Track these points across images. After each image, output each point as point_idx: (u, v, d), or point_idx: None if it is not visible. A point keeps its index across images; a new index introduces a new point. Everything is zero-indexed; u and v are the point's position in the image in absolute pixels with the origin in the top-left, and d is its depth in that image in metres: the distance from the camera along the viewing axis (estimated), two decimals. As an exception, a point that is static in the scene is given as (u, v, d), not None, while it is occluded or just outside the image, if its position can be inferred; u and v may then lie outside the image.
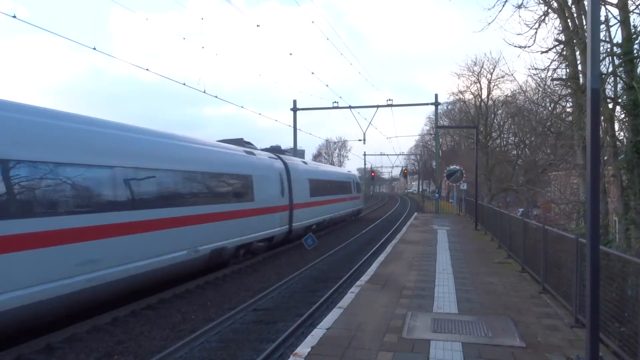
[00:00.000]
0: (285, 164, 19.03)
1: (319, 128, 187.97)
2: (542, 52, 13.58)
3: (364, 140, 58.85)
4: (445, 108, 45.80)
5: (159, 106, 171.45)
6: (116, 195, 9.02)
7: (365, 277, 10.01)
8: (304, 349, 5.67)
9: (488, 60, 48.01)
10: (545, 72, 14.18)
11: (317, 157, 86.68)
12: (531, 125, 27.05)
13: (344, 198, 29.60)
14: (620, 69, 11.43)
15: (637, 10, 11.23)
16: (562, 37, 13.54)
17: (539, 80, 16.62)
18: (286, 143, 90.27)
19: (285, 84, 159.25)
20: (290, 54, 66.40)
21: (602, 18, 11.38)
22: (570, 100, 14.82)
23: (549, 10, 13.64)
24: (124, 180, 9.24)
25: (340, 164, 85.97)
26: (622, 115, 12.08)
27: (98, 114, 14.81)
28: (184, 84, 15.64)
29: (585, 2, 5.86)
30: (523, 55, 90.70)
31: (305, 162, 23.93)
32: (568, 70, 13.62)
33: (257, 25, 45.81)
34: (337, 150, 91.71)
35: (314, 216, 22.11)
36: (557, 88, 15.33)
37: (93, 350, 7.40)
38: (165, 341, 7.91)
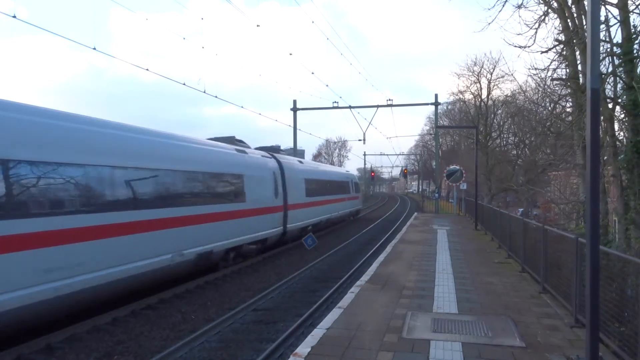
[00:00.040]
0: (279, 163, 18.52)
1: (319, 128, 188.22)
2: (542, 52, 13.60)
3: (364, 140, 58.90)
4: (445, 108, 45.86)
5: (159, 106, 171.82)
6: (87, 197, 8.33)
7: (365, 277, 10.01)
8: (304, 349, 5.67)
9: (488, 60, 47.95)
10: (545, 72, 14.21)
11: (317, 157, 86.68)
12: (531, 125, 27.04)
13: (342, 198, 29.12)
14: (620, 69, 11.43)
15: (637, 10, 11.23)
16: (562, 37, 13.55)
17: (539, 80, 16.64)
18: (286, 143, 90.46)
19: (285, 84, 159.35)
20: (290, 54, 66.37)
21: (602, 18, 11.38)
22: (570, 100, 14.83)
23: (549, 10, 13.65)
24: (96, 180, 8.58)
25: (340, 164, 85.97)
26: (622, 115, 12.08)
27: (98, 114, 14.80)
28: (184, 84, 15.62)
29: (585, 2, 5.85)
30: (523, 55, 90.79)
31: (301, 162, 23.31)
32: (568, 70, 13.62)
33: (257, 25, 45.81)
34: (337, 150, 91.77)
35: (310, 217, 21.61)
36: (557, 88, 15.34)
37: (93, 350, 7.40)
38: (165, 341, 7.91)
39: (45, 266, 7.31)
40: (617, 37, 11.76)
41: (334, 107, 35.02)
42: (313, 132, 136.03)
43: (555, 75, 14.11)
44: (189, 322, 9.03)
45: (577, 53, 13.18)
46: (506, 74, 31.78)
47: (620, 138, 12.47)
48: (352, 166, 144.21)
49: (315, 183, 23.23)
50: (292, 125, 36.84)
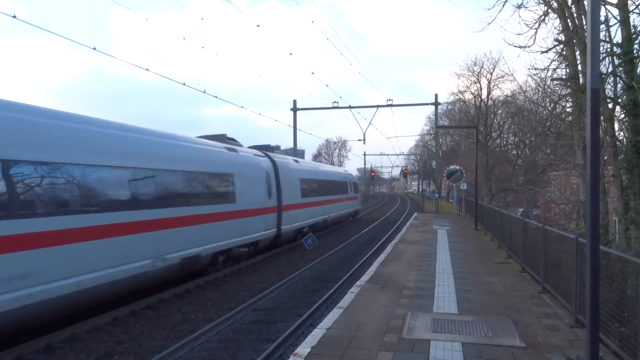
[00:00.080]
0: (273, 162, 17.87)
1: (319, 128, 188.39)
2: (542, 52, 13.59)
3: (364, 140, 58.87)
4: (445, 108, 45.88)
5: (159, 106, 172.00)
6: (55, 198, 7.69)
7: (365, 277, 10.01)
8: (304, 349, 5.67)
9: (488, 60, 47.87)
10: (545, 72, 14.20)
11: (317, 157, 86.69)
12: (531, 125, 27.04)
13: (340, 199, 28.47)
14: (620, 69, 11.43)
15: (637, 10, 11.23)
16: (562, 37, 13.54)
17: (539, 80, 16.64)
18: (286, 143, 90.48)
19: (285, 84, 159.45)
20: (290, 54, 66.43)
21: (602, 18, 11.38)
22: (570, 100, 14.82)
23: (549, 10, 13.64)
24: (66, 180, 7.91)
25: (340, 164, 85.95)
26: (622, 115, 12.08)
27: (98, 114, 14.77)
28: (184, 84, 15.62)
29: (585, 2, 5.85)
30: (523, 55, 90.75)
31: (296, 161, 22.64)
32: (568, 70, 13.62)
33: (257, 25, 45.85)
34: (337, 150, 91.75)
35: (306, 218, 21.03)
36: (557, 88, 15.33)
37: (93, 350, 7.40)
38: (165, 341, 7.91)
39: None
40: (617, 37, 11.77)
41: (334, 107, 35.04)
42: (313, 132, 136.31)
43: (555, 75, 14.11)
44: (189, 322, 9.03)
45: (577, 53, 13.18)
46: (506, 74, 31.84)
47: (620, 138, 12.46)
48: (352, 166, 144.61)
49: (312, 183, 22.75)
50: (292, 125, 36.86)
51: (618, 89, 11.93)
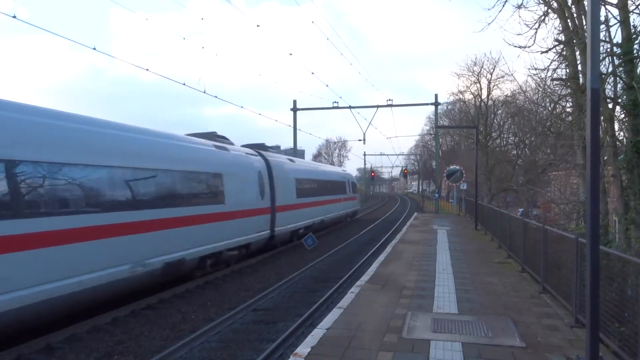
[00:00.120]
0: (267, 161, 17.19)
1: (319, 128, 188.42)
2: (542, 52, 13.59)
3: (364, 140, 58.91)
4: (445, 108, 45.88)
5: (159, 106, 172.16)
6: (18, 198, 7.08)
7: (365, 277, 10.01)
8: (304, 349, 5.67)
9: (488, 61, 47.83)
10: (545, 72, 14.19)
11: (317, 157, 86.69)
12: (531, 125, 27.03)
13: (338, 199, 27.80)
14: (620, 69, 11.43)
15: (637, 10, 11.23)
16: (562, 37, 13.54)
17: (539, 80, 16.62)
18: (286, 143, 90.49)
19: (285, 84, 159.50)
20: (290, 54, 66.40)
21: (602, 18, 11.38)
22: (570, 100, 14.82)
23: (549, 10, 13.64)
24: (20, 179, 7.23)
25: (340, 164, 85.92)
26: (622, 115, 12.08)
27: (98, 114, 14.75)
28: (184, 84, 15.60)
29: (585, 2, 5.85)
30: (523, 55, 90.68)
31: (292, 160, 21.79)
32: (568, 70, 13.62)
33: (257, 25, 45.86)
34: (337, 150, 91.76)
35: (302, 219, 20.39)
36: (557, 88, 15.33)
37: (93, 350, 7.41)
38: (165, 341, 7.91)
39: None
40: (617, 37, 11.77)
41: (334, 107, 35.05)
42: (313, 132, 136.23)
43: (555, 76, 14.11)
44: (189, 322, 9.03)
45: (577, 53, 13.17)
46: (506, 74, 31.75)
47: (620, 138, 12.47)
48: (352, 166, 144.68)
49: (308, 183, 22.21)
50: (292, 125, 36.86)
51: (618, 89, 11.93)
